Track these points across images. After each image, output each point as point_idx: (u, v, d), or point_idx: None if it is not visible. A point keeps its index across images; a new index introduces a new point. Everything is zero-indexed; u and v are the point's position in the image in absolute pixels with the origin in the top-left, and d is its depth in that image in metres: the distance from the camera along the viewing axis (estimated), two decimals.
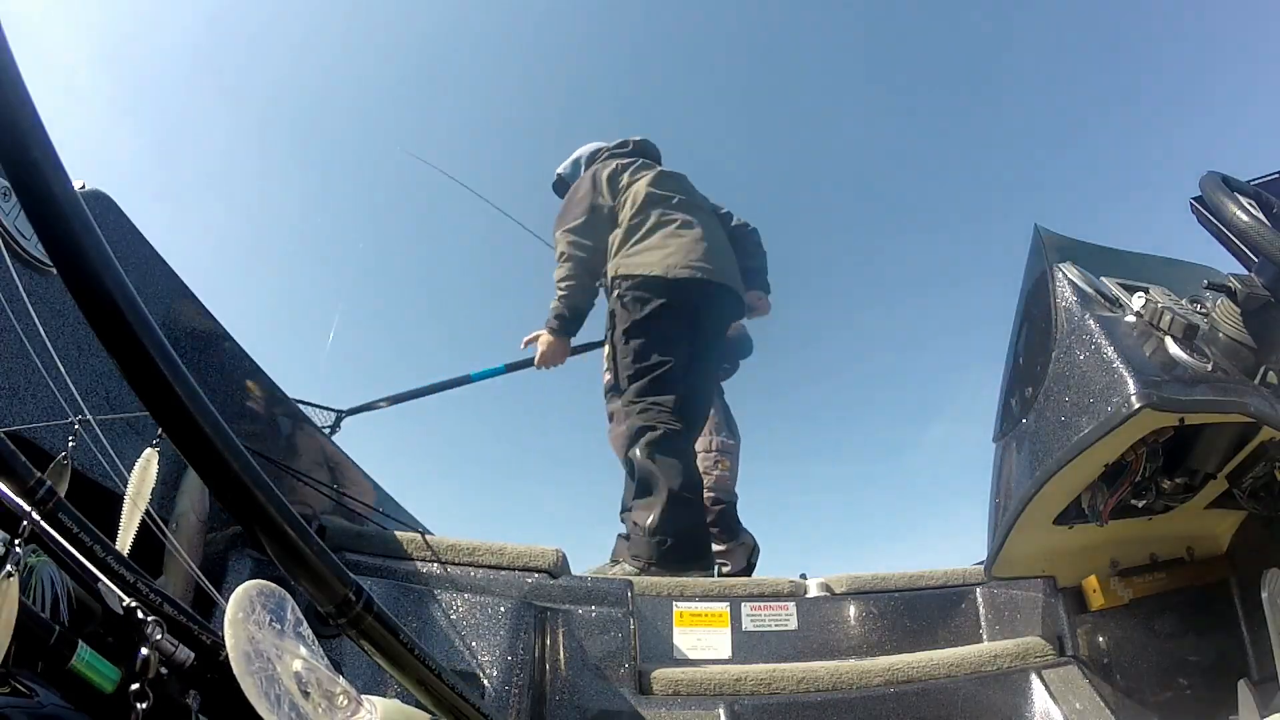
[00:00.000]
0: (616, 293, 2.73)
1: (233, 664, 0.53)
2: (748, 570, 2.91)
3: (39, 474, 0.64)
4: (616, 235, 2.78)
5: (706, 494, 3.01)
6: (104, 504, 0.95)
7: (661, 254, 2.67)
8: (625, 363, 2.68)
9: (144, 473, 1.00)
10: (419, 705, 0.68)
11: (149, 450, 1.01)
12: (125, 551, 0.85)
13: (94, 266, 0.51)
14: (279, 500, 0.56)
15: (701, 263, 2.67)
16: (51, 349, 0.95)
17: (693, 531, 2.42)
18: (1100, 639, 1.59)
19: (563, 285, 2.78)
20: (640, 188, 2.80)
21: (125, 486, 0.97)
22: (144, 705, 0.56)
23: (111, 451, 0.98)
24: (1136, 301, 1.40)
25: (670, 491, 2.45)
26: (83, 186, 1.31)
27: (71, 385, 0.96)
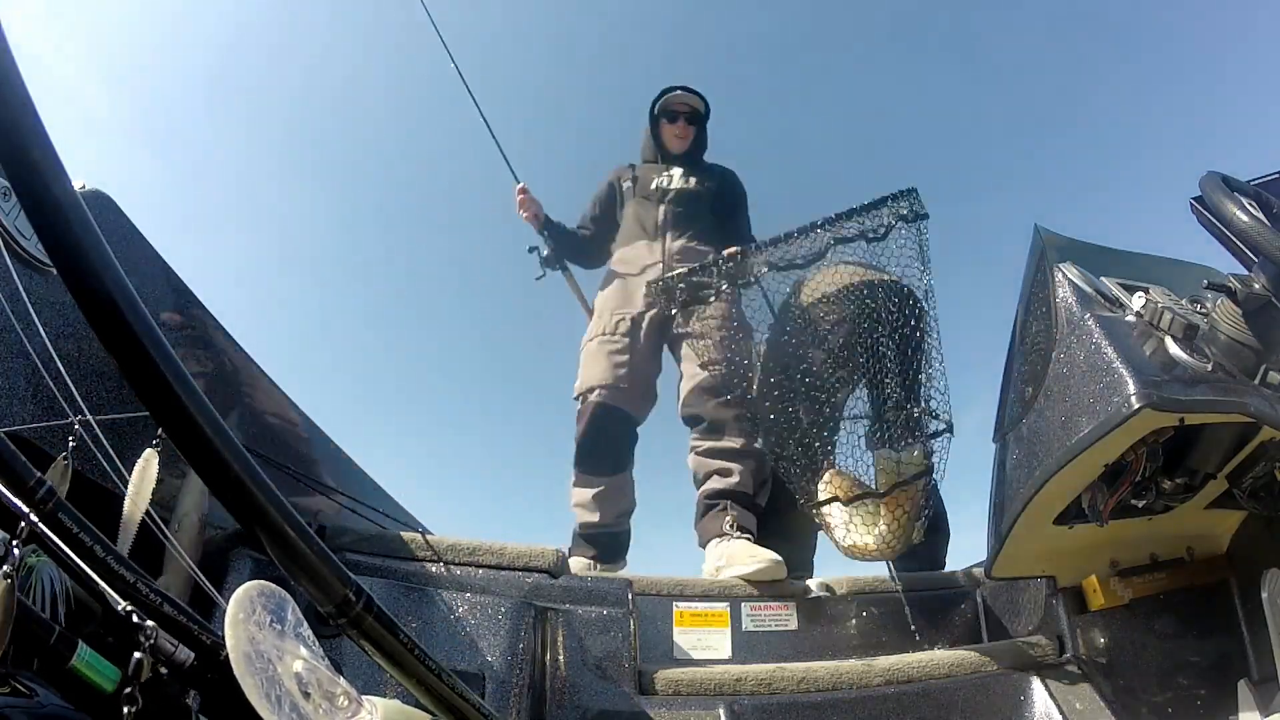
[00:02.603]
0: None
1: (234, 665, 0.53)
2: None
3: (39, 474, 0.64)
4: None
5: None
6: (104, 504, 0.95)
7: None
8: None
9: (143, 473, 1.00)
10: (419, 705, 0.68)
11: (149, 450, 1.01)
12: (125, 552, 0.85)
13: (94, 266, 0.51)
14: (279, 500, 0.56)
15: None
16: (51, 349, 0.95)
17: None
18: (1100, 639, 1.59)
19: None
20: None
21: (125, 486, 0.97)
22: (133, 709, 0.56)
23: (111, 451, 0.98)
24: (1136, 301, 1.39)
25: None
26: (83, 186, 1.31)
27: (71, 385, 0.96)
